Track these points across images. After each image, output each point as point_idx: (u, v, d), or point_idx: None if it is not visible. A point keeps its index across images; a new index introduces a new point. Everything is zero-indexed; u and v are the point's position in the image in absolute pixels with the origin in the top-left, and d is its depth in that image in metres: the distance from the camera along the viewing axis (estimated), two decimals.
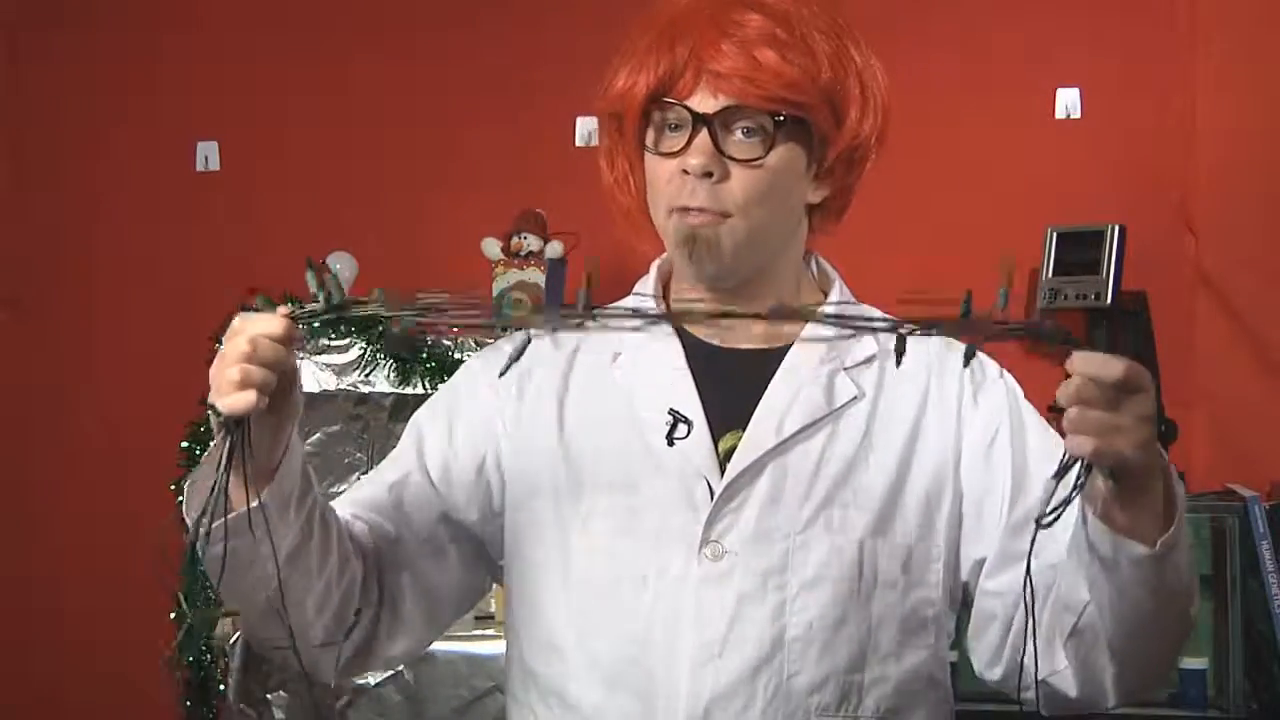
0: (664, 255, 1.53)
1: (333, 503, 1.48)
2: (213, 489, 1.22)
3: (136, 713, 3.10)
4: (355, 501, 1.50)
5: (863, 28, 1.46)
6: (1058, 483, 1.21)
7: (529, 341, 1.21)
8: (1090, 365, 1.18)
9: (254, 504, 1.27)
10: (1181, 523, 1.26)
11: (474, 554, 1.52)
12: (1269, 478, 2.71)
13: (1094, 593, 1.31)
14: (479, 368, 1.55)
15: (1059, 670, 1.39)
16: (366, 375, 2.76)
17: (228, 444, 1.22)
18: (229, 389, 1.22)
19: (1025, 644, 1.28)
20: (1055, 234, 2.82)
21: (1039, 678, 1.38)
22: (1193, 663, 2.58)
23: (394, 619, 1.49)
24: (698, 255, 1.42)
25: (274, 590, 1.30)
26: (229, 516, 1.26)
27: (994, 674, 1.48)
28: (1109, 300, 2.75)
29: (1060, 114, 2.97)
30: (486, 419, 1.49)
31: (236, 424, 1.22)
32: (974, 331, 1.16)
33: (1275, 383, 2.85)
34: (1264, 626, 2.57)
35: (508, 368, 1.22)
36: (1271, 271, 2.86)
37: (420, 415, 1.54)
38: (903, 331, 1.17)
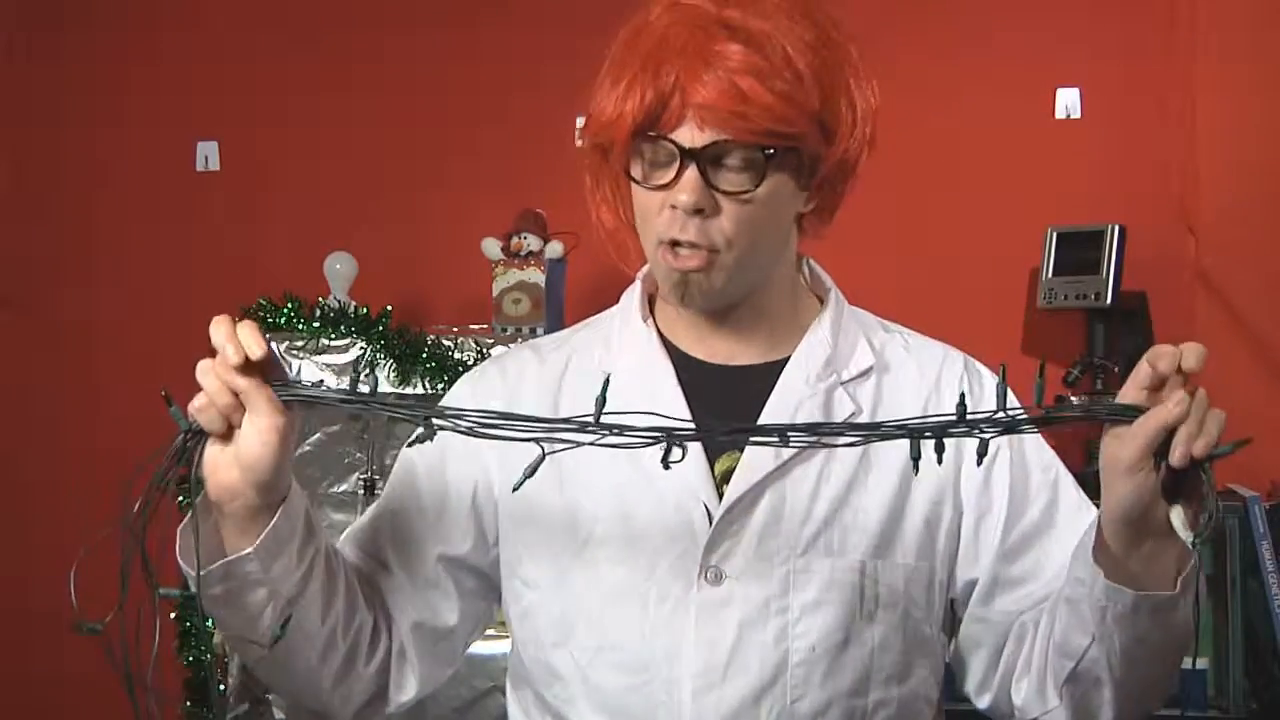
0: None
1: (338, 543, 1.46)
2: (153, 486, 1.27)
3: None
4: (357, 544, 1.48)
5: (862, 28, 1.44)
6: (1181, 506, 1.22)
7: (544, 459, 1.17)
8: (1191, 356, 1.23)
9: (247, 551, 1.28)
10: (1196, 552, 1.24)
11: (476, 587, 1.49)
12: (1269, 478, 2.70)
13: (1103, 642, 1.29)
14: (465, 394, 1.50)
15: (1050, 710, 1.38)
16: (366, 375, 2.75)
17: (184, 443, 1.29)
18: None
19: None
20: (1055, 234, 2.82)
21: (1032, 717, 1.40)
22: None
23: (403, 664, 1.47)
24: (689, 296, 1.38)
25: (259, 636, 1.31)
26: (218, 564, 1.28)
27: (983, 701, 1.47)
28: (1109, 300, 2.74)
29: (1060, 114, 2.96)
30: (475, 449, 1.41)
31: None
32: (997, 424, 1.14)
33: (1275, 383, 2.84)
34: (1264, 626, 2.57)
35: (522, 482, 1.19)
36: (1271, 271, 2.85)
37: (411, 449, 1.47)
38: (928, 435, 1.15)
